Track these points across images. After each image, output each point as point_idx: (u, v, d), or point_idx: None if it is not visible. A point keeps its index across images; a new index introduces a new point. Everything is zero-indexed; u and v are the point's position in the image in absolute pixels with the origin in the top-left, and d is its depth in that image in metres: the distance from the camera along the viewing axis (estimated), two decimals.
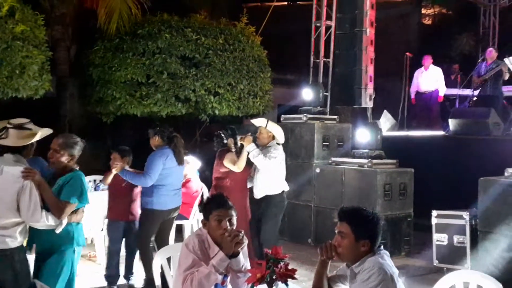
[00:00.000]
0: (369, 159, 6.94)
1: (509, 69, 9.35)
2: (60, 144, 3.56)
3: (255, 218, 5.64)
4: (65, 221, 3.41)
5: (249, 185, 5.73)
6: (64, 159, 3.55)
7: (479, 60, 10.13)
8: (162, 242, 5.24)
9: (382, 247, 2.74)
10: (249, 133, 5.64)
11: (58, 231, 3.39)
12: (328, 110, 9.47)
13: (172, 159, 5.26)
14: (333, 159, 7.49)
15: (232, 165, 5.49)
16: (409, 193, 6.98)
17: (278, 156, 5.57)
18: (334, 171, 7.29)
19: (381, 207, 6.67)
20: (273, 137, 5.68)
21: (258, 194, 5.63)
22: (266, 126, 5.62)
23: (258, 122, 5.78)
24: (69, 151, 3.56)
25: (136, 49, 8.41)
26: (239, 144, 5.57)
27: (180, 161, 5.36)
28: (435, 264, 6.00)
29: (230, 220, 3.09)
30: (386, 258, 2.67)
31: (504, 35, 12.96)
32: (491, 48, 10.05)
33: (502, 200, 5.42)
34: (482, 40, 13.05)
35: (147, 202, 5.22)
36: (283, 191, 5.70)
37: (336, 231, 2.75)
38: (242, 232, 3.04)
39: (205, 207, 3.21)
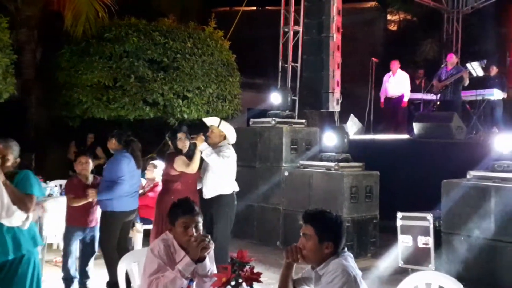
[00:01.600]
0: (336, 162, 7.03)
1: (470, 74, 9.62)
2: (3, 149, 3.51)
3: (206, 218, 5.60)
4: (31, 216, 3.38)
5: (198, 186, 5.74)
6: (10, 163, 3.51)
7: (442, 65, 10.38)
8: (121, 245, 5.22)
9: (346, 249, 2.79)
10: (201, 133, 5.60)
11: (25, 227, 3.35)
12: (296, 114, 9.58)
13: (133, 163, 5.26)
14: (301, 162, 7.57)
15: (185, 167, 5.46)
16: (375, 195, 7.10)
17: (231, 155, 5.57)
18: (302, 174, 7.36)
19: (347, 210, 6.77)
20: (225, 137, 5.68)
21: (208, 194, 5.60)
22: (218, 125, 5.62)
23: (210, 121, 5.74)
24: (14, 154, 3.53)
25: (103, 52, 8.35)
26: (180, 146, 5.54)
27: (139, 165, 5.38)
28: (400, 265, 6.11)
29: (196, 226, 3.08)
30: (349, 260, 2.72)
31: (467, 41, 13.34)
32: (451, 54, 10.31)
33: (464, 202, 5.57)
34: (446, 46, 13.40)
35: (107, 205, 5.18)
36: (233, 192, 5.69)
37: (301, 234, 2.79)
38: (209, 236, 3.04)
39: (171, 212, 3.18)
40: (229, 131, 5.68)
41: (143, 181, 7.00)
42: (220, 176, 5.57)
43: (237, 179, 7.89)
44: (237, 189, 5.78)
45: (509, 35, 12.58)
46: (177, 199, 3.34)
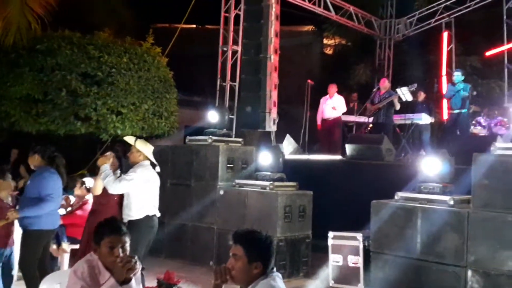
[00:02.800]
0: (271, 182, 7.07)
1: (400, 99, 10.03)
2: None
3: None
4: None
5: None
6: None
7: (374, 89, 10.77)
8: (42, 265, 4.98)
9: (274, 269, 2.79)
10: (109, 152, 5.40)
11: None
12: (233, 133, 9.59)
13: (59, 179, 5.07)
14: (237, 181, 7.55)
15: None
16: (308, 215, 7.19)
17: (135, 178, 5.17)
18: (238, 193, 7.35)
19: (281, 229, 6.80)
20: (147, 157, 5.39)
21: (124, 218, 5.28)
22: (134, 144, 5.33)
23: (127, 139, 5.49)
24: None
25: (33, 64, 8.06)
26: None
27: (63, 182, 5.17)
28: (330, 285, 6.20)
29: (123, 247, 2.99)
30: (278, 280, 2.72)
31: (398, 66, 13.95)
32: (384, 78, 10.73)
33: (392, 222, 5.74)
34: (378, 70, 13.93)
35: (32, 223, 4.92)
36: (147, 216, 5.24)
37: (230, 254, 2.77)
38: (136, 257, 2.95)
39: (96, 231, 3.09)
40: (145, 150, 5.34)
41: (72, 198, 6.76)
42: (130, 200, 5.23)
43: (171, 198, 7.84)
44: (153, 213, 5.33)
45: (437, 62, 13.26)
46: (104, 218, 3.24)
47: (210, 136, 7.89)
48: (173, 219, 7.77)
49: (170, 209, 7.83)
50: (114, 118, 8.21)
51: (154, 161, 5.46)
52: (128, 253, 3.00)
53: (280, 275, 2.78)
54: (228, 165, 7.71)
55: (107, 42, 8.62)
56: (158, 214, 5.45)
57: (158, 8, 15.74)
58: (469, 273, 5.17)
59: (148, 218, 5.23)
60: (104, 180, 5.11)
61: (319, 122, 11.48)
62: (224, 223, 7.27)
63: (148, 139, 9.05)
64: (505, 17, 11.54)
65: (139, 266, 2.91)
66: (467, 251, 5.19)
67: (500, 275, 5.00)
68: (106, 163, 5.21)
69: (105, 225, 3.09)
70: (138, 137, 5.78)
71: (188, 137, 8.27)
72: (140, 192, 5.22)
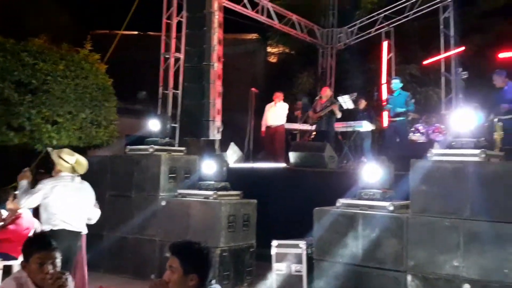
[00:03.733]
0: (215, 191, 6.97)
1: (341, 107, 10.19)
2: None
3: None
4: None
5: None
6: None
7: (317, 98, 10.89)
8: None
9: (213, 281, 2.71)
10: (26, 168, 5.17)
11: None
12: (176, 141, 9.43)
13: None
14: (180, 191, 7.40)
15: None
16: (252, 223, 7.13)
17: (40, 190, 4.90)
18: (180, 203, 7.19)
19: (224, 239, 6.71)
20: (73, 168, 5.13)
21: None
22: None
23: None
24: None
25: None
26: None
27: None
28: None
29: (53, 263, 2.85)
30: None
31: (340, 75, 14.22)
32: (325, 87, 10.89)
33: (334, 229, 5.77)
34: (321, 79, 14.16)
35: None
36: (51, 230, 4.88)
37: (167, 267, 2.68)
38: (66, 274, 2.82)
39: (25, 247, 2.96)
40: (57, 161, 5.09)
41: (4, 213, 6.41)
42: (41, 213, 4.99)
43: (110, 210, 7.57)
44: (58, 227, 4.93)
45: (377, 71, 13.60)
46: (33, 234, 3.09)
47: (152, 145, 7.70)
48: (113, 232, 7.51)
49: (110, 221, 7.54)
50: (49, 127, 7.86)
51: (69, 173, 5.14)
52: (58, 269, 2.87)
53: (219, 287, 2.70)
54: (170, 175, 7.55)
55: (43, 49, 8.26)
56: (76, 229, 5.06)
57: (98, 14, 15.38)
58: (409, 277, 5.25)
59: (52, 232, 4.82)
60: (19, 197, 4.90)
61: (263, 129, 11.50)
62: (167, 234, 7.08)
63: (86, 149, 8.76)
64: (441, 26, 12.00)
65: (71, 283, 2.79)
66: (406, 256, 5.28)
67: (438, 279, 5.11)
68: (24, 179, 4.95)
69: (34, 241, 2.99)
70: (65, 147, 5.54)
71: (128, 146, 8.03)
72: (47, 205, 4.92)
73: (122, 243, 7.46)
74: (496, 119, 8.21)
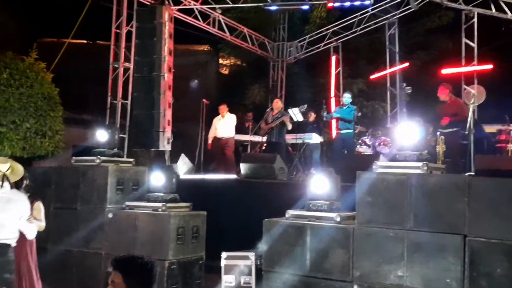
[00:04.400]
0: (163, 203, 6.88)
1: (291, 118, 10.32)
2: None
3: None
4: None
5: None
6: None
7: (268, 110, 10.99)
8: None
9: None
10: None
11: None
12: (125, 152, 9.27)
13: None
14: (127, 203, 7.25)
15: None
16: (201, 235, 7.07)
17: None
18: (128, 215, 7.04)
19: (173, 251, 6.62)
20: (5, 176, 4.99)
21: None
22: None
23: None
24: None
25: None
26: None
27: None
28: None
29: None
30: None
31: (290, 87, 14.43)
32: (277, 99, 11.00)
33: (283, 240, 5.80)
34: (272, 91, 14.31)
35: None
36: None
37: (109, 282, 2.62)
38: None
39: None
40: None
41: None
42: None
43: (54, 223, 7.34)
44: None
45: (326, 84, 13.89)
46: None
47: (99, 156, 7.52)
48: (57, 245, 7.27)
49: (54, 234, 7.31)
50: None
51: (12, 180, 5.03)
52: None
53: None
54: (118, 187, 7.39)
55: None
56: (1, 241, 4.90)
57: (46, 22, 14.99)
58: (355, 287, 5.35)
59: None
60: None
61: (209, 141, 11.48)
62: (113, 247, 6.91)
63: (30, 159, 8.47)
64: (387, 43, 12.41)
65: None
66: (352, 266, 5.37)
67: None
68: None
69: None
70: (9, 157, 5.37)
71: (74, 157, 7.83)
72: None
73: (66, 257, 7.23)
74: (438, 133, 8.55)
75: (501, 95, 11.10)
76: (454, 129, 8.70)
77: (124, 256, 2.71)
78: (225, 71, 17.60)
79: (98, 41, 15.09)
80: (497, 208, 4.79)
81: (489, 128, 10.93)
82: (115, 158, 7.78)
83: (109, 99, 9.64)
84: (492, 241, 4.77)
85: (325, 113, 10.53)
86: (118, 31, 9.72)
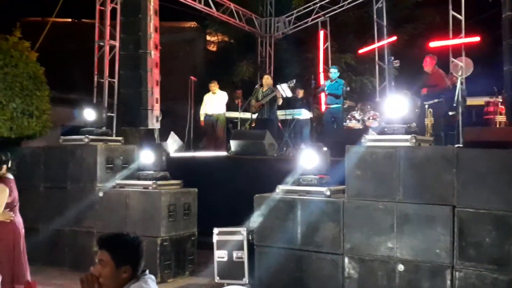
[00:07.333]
0: (154, 181, 6.89)
1: (281, 95, 10.29)
2: None
3: None
4: None
5: None
6: None
7: (257, 86, 10.95)
8: None
9: (147, 271, 2.68)
10: None
11: None
12: (114, 131, 9.21)
13: None
14: (118, 182, 7.25)
15: None
16: (193, 212, 7.11)
17: None
18: (118, 194, 7.06)
19: (165, 228, 6.66)
20: None
21: None
22: None
23: None
24: None
25: None
26: None
27: None
28: (216, 281, 6.18)
29: None
30: (150, 283, 2.61)
31: (279, 63, 14.35)
32: (266, 75, 10.94)
33: (274, 215, 5.86)
34: (260, 67, 14.23)
35: None
36: None
37: (96, 260, 2.62)
38: None
39: None
40: None
41: None
42: None
43: (45, 203, 7.35)
44: None
45: (314, 59, 13.82)
46: None
47: (87, 135, 7.49)
48: (49, 224, 7.29)
49: (45, 214, 7.34)
50: None
51: None
52: None
53: (153, 277, 2.68)
54: (108, 165, 7.38)
55: None
56: None
57: (29, 1, 14.69)
58: (346, 260, 5.43)
59: None
60: None
61: (202, 118, 11.45)
62: (105, 226, 6.93)
63: (18, 140, 8.40)
64: (375, 17, 12.33)
65: None
66: (343, 239, 5.44)
67: (374, 260, 5.31)
68: None
69: None
70: None
71: (62, 136, 7.77)
72: None
73: (58, 236, 7.26)
74: (426, 106, 8.58)
75: (489, 67, 11.12)
76: (437, 100, 8.73)
77: (109, 234, 2.70)
78: (212, 47, 17.43)
79: (82, 19, 14.86)
80: (485, 179, 4.85)
81: (478, 100, 11.00)
82: (104, 137, 7.75)
83: (95, 77, 9.52)
84: (481, 211, 4.84)
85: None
86: (102, 8, 9.55)
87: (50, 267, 7.07)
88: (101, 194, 7.15)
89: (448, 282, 4.93)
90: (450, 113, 8.85)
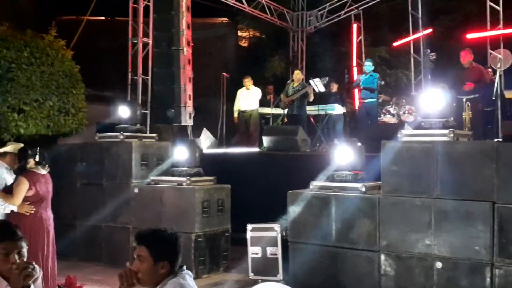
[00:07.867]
0: (188, 177, 6.93)
1: (314, 90, 10.19)
2: None
3: None
4: None
5: None
6: None
7: (288, 81, 10.88)
8: None
9: (184, 267, 2.69)
10: None
11: None
12: (148, 128, 9.31)
13: None
14: (152, 178, 7.33)
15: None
16: (226, 208, 7.13)
17: None
18: (153, 190, 7.13)
19: (199, 224, 6.69)
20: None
21: None
22: None
23: None
24: None
25: None
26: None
27: None
28: (250, 277, 6.18)
29: (19, 253, 2.77)
30: (187, 279, 2.62)
31: (311, 58, 14.23)
32: (297, 70, 10.85)
33: (308, 211, 5.81)
34: (292, 62, 14.13)
35: None
36: None
37: (135, 256, 2.64)
38: (33, 263, 2.75)
39: None
40: None
41: None
42: None
43: (81, 199, 7.49)
44: None
45: (348, 53, 13.65)
46: None
47: (122, 132, 7.60)
48: (85, 220, 7.43)
49: (82, 210, 7.50)
50: (16, 116, 7.64)
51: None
52: (25, 259, 2.80)
53: (190, 272, 2.68)
54: (142, 162, 7.47)
55: (6, 36, 7.99)
56: None
57: (64, 0, 14.99)
58: (382, 257, 5.34)
59: None
60: None
61: (235, 114, 11.46)
62: (140, 222, 7.02)
63: (55, 137, 8.57)
64: (410, 8, 12.08)
65: (39, 272, 2.72)
66: (379, 236, 5.36)
67: (411, 257, 5.20)
68: None
69: None
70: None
71: (98, 134, 7.90)
72: None
73: (95, 232, 7.39)
74: (464, 99, 8.36)
75: None
76: (476, 95, 8.50)
77: (148, 230, 2.72)
78: (244, 43, 17.43)
79: (116, 17, 15.06)
80: None
81: None
82: (138, 134, 7.85)
83: (129, 75, 9.62)
84: None
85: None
86: (135, 6, 9.65)
87: (87, 262, 7.22)
88: (136, 190, 7.24)
89: (488, 279, 4.80)
90: (487, 109, 8.59)
